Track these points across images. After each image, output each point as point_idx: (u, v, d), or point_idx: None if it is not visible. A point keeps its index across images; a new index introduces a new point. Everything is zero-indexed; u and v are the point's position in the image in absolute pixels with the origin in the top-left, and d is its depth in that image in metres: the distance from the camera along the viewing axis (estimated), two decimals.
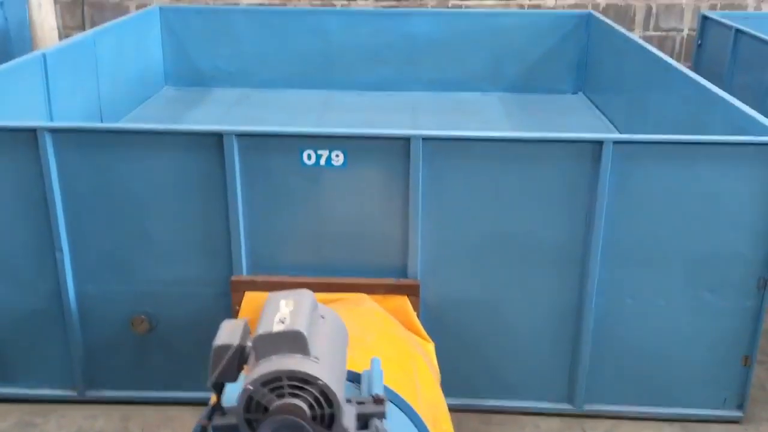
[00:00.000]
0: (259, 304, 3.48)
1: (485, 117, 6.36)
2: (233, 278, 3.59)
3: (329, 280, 3.56)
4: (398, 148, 3.38)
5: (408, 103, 6.79)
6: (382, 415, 2.22)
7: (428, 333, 3.43)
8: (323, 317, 2.21)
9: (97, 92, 5.69)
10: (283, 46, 7.03)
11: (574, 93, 7.00)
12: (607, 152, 3.30)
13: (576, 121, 6.24)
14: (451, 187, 3.44)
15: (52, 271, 3.66)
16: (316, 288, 3.48)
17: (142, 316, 3.72)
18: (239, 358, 2.20)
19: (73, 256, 3.63)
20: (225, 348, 2.19)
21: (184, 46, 7.07)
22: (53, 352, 3.83)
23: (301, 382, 1.97)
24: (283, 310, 2.14)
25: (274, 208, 3.52)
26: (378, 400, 2.24)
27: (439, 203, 3.46)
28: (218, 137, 3.40)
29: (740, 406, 3.76)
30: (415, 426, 2.53)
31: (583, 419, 3.80)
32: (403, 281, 3.56)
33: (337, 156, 3.41)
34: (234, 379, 2.25)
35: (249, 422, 2.02)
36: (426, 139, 3.35)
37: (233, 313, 3.58)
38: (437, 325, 3.55)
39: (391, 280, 3.55)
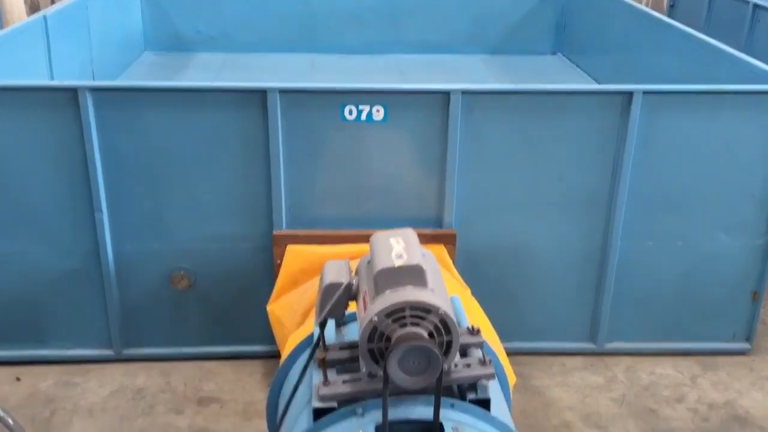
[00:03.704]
0: (302, 257, 3.63)
1: (473, 78, 6.51)
2: (275, 232, 3.67)
3: (368, 232, 3.65)
4: (438, 102, 3.50)
5: (393, 65, 6.89)
6: (480, 345, 2.37)
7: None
8: (423, 254, 2.33)
9: (90, 56, 5.62)
10: (265, 9, 7.03)
11: (553, 54, 7.21)
12: (637, 102, 3.49)
13: (561, 80, 6.44)
14: (487, 138, 3.59)
15: (90, 232, 3.67)
16: (357, 240, 3.66)
17: (182, 273, 3.77)
18: (347, 295, 2.31)
19: (111, 216, 3.65)
20: (335, 286, 2.29)
21: (164, 10, 7.00)
22: (89, 312, 3.85)
23: (423, 311, 2.10)
24: (396, 247, 2.24)
25: (314, 163, 3.60)
26: (474, 332, 2.39)
27: (475, 154, 3.60)
28: (262, 94, 3.46)
29: (748, 339, 4.05)
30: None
31: (605, 357, 4.04)
32: (440, 231, 3.70)
33: (377, 111, 3.50)
34: (341, 315, 2.36)
35: (371, 352, 2.13)
36: (465, 92, 3.48)
37: (274, 267, 3.67)
38: (471, 272, 3.70)
39: (428, 230, 3.69)
